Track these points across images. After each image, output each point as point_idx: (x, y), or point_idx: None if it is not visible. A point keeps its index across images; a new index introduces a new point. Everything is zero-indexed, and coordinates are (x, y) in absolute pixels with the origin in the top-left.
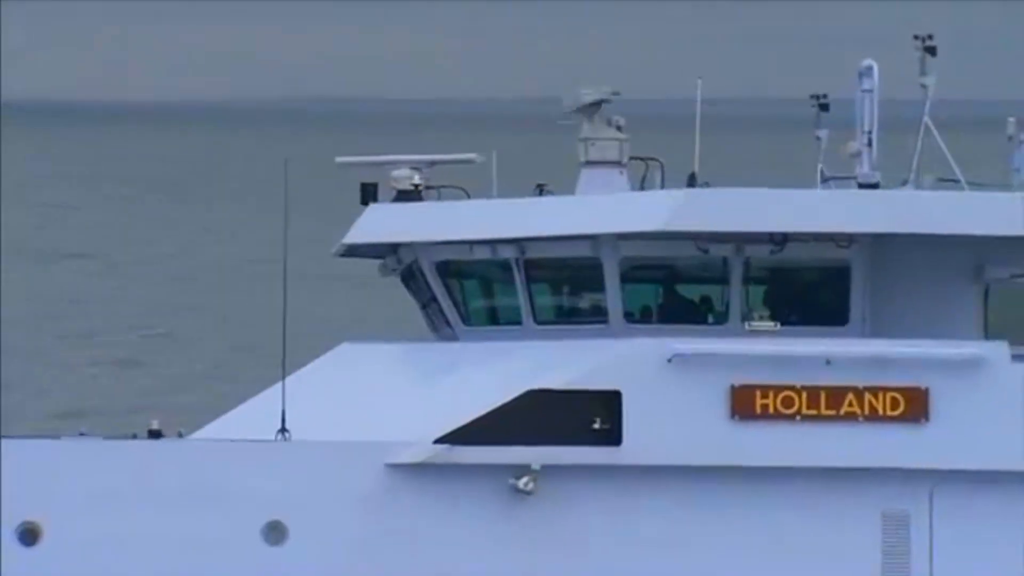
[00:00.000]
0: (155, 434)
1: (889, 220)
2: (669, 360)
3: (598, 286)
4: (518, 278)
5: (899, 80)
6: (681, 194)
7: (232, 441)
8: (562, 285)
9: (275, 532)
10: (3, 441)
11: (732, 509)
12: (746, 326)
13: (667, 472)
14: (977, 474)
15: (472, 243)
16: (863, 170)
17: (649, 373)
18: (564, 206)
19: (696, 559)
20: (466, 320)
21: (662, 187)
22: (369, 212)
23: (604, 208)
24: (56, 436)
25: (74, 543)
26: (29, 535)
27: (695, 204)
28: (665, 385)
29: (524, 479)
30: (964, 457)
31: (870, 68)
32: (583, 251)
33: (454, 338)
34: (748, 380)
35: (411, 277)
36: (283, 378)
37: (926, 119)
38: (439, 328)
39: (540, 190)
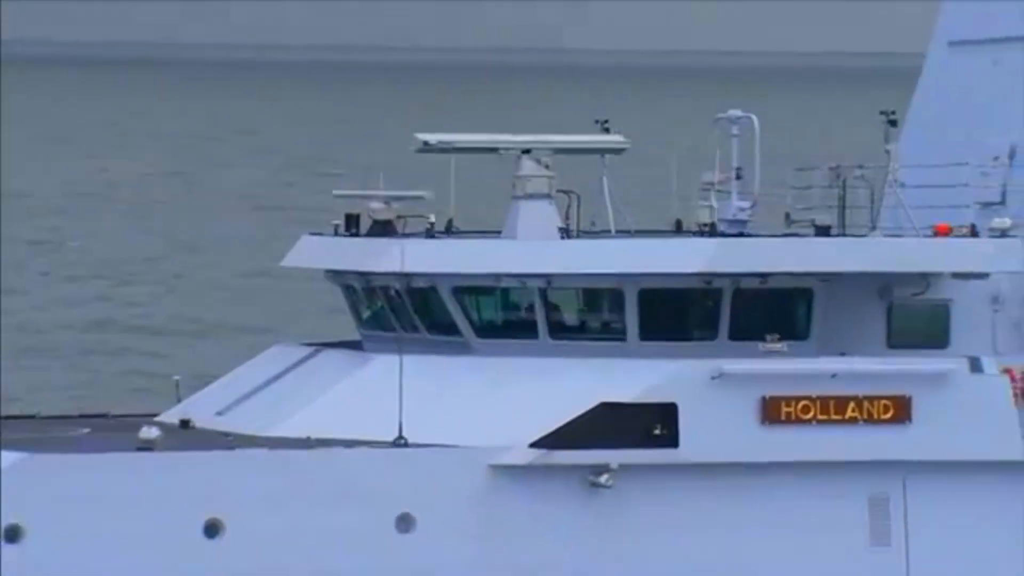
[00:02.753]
0: (185, 423)
1: (839, 262)
2: (713, 378)
3: (617, 310)
4: (538, 302)
5: None
6: (714, 243)
7: (372, 449)
8: (581, 308)
9: (405, 522)
10: (191, 452)
11: (762, 495)
12: (760, 347)
13: (714, 468)
14: (946, 464)
15: (502, 276)
16: (732, 204)
17: (698, 389)
18: (592, 248)
19: (735, 535)
20: (480, 334)
21: (578, 214)
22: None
23: (632, 251)
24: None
25: (252, 536)
26: (212, 529)
27: (724, 252)
28: (711, 398)
29: (604, 476)
30: (937, 450)
31: (739, 118)
32: (608, 284)
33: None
34: (775, 393)
35: (371, 294)
36: (400, 391)
37: (891, 178)
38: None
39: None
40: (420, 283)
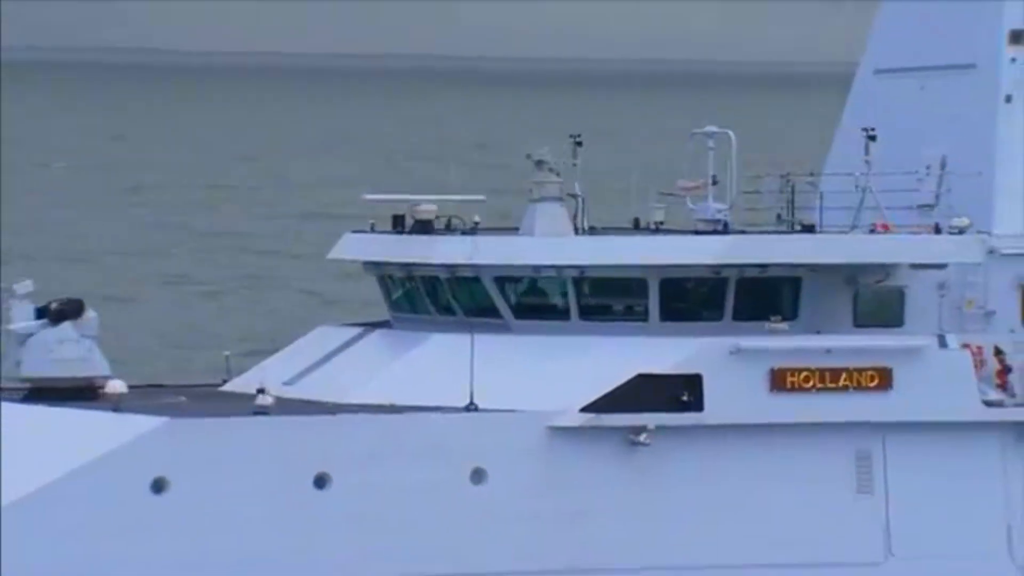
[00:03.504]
0: (260, 391)
1: (824, 255)
2: (731, 353)
3: (641, 295)
4: (571, 289)
5: None
6: (730, 239)
7: (451, 414)
8: (610, 293)
9: (478, 476)
10: (302, 416)
11: (769, 450)
12: (766, 326)
13: (731, 428)
14: (919, 424)
15: (540, 267)
16: (705, 206)
17: (719, 362)
18: (622, 244)
19: (748, 484)
20: (517, 316)
21: (583, 214)
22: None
23: (655, 246)
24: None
25: (354, 488)
26: (320, 481)
27: (733, 246)
28: (730, 369)
29: (642, 435)
30: (912, 413)
31: (713, 133)
32: (634, 274)
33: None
34: (782, 365)
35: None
36: (471, 364)
37: (869, 185)
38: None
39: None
40: (466, 272)
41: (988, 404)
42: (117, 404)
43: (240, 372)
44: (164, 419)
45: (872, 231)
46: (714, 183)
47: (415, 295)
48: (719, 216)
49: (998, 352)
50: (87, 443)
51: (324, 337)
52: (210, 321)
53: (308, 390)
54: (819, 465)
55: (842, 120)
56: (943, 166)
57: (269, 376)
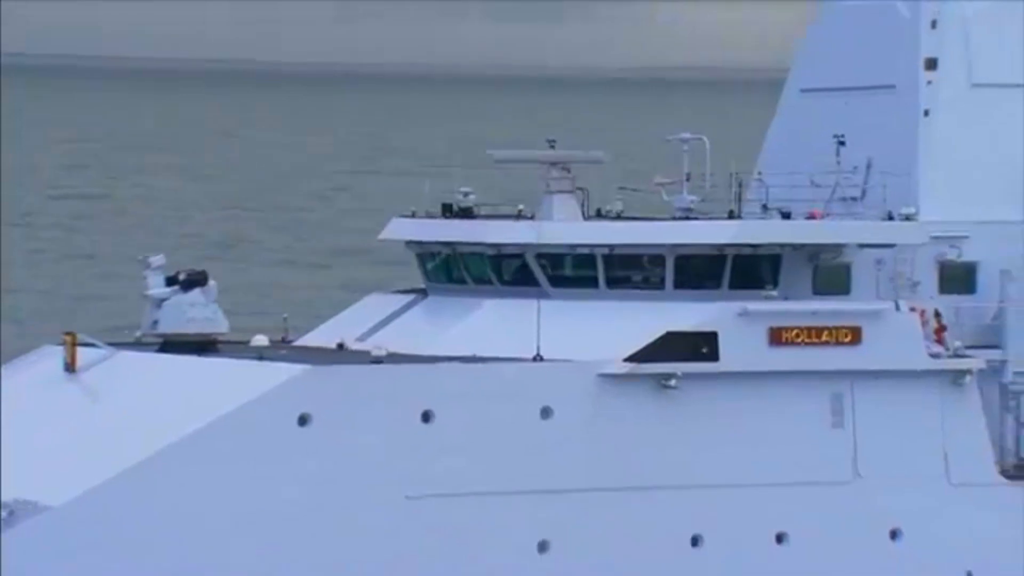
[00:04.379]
0: (340, 346)
1: (798, 236)
2: (740, 315)
3: (659, 268)
4: (601, 263)
5: None
6: (739, 223)
7: (527, 364)
8: (632, 266)
9: (546, 413)
10: (410, 364)
11: (769, 392)
12: (761, 294)
13: (740, 375)
14: (880, 372)
15: (576, 246)
16: (681, 197)
17: (731, 321)
18: (646, 227)
19: (753, 418)
20: (554, 285)
21: (587, 204)
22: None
23: (673, 229)
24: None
25: (454, 421)
26: (425, 416)
27: (746, 230)
28: (738, 328)
29: (672, 381)
30: (876, 363)
31: (690, 137)
32: (655, 251)
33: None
34: (778, 324)
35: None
36: (538, 323)
37: (838, 181)
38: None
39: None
40: (510, 250)
41: (932, 356)
42: (261, 354)
43: (294, 332)
44: (306, 366)
45: (810, 217)
46: (687, 179)
47: (454, 269)
48: (690, 206)
49: (937, 315)
50: (245, 386)
51: (377, 303)
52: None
53: (383, 345)
54: (804, 404)
55: (770, 129)
56: (868, 167)
57: (334, 334)
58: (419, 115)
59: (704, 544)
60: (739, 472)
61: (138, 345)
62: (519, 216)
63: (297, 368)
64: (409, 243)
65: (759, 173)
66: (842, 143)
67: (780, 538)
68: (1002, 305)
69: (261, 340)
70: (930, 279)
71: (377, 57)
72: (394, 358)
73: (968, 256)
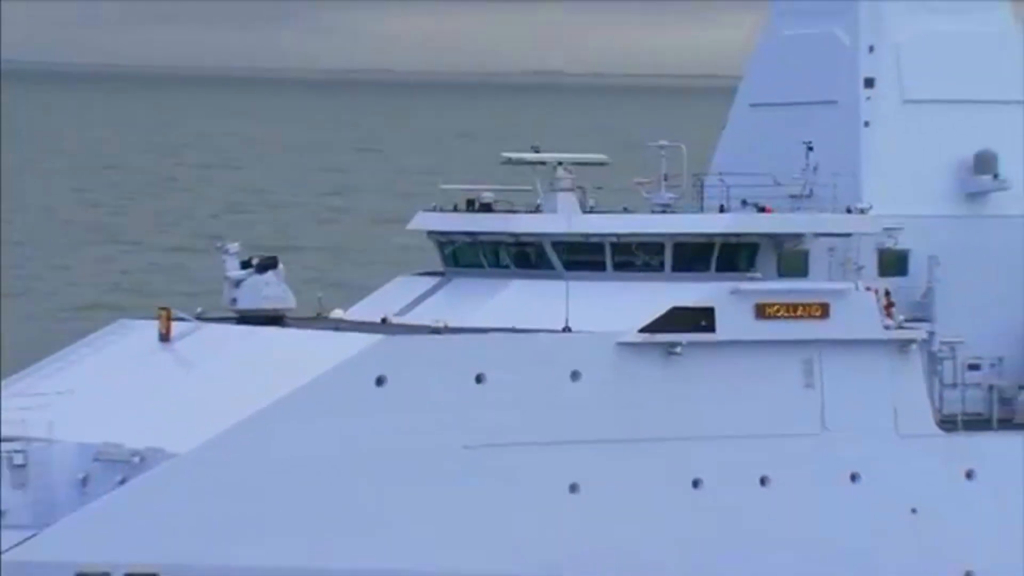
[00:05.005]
0: (384, 320)
1: (772, 227)
2: (731, 293)
3: (659, 253)
4: (609, 249)
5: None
6: (731, 216)
7: (558, 334)
8: (635, 251)
9: (575, 376)
10: (462, 334)
11: (755, 357)
12: (747, 275)
13: (733, 343)
14: (843, 340)
15: (588, 235)
16: (660, 195)
17: (725, 298)
18: (647, 220)
19: (743, 379)
20: (567, 268)
21: (586, 200)
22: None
23: (672, 221)
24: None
25: (502, 383)
26: (479, 378)
27: (737, 221)
28: (731, 304)
29: (677, 348)
30: (839, 333)
31: (666, 146)
32: (656, 239)
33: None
34: (763, 300)
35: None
36: (567, 298)
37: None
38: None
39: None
40: (528, 239)
41: (885, 327)
42: (337, 326)
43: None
44: (380, 336)
45: (761, 211)
46: (665, 179)
47: (474, 255)
48: (669, 202)
49: (887, 293)
50: (331, 352)
51: (407, 283)
52: None
53: (420, 318)
54: (782, 368)
55: (722, 138)
56: (815, 169)
57: (374, 310)
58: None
59: (703, 486)
60: (731, 425)
61: (216, 319)
62: (537, 209)
63: (374, 338)
64: (430, 233)
65: (720, 175)
66: (810, 148)
67: (763, 480)
68: (930, 286)
69: (339, 313)
70: (871, 264)
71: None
72: (449, 329)
73: (902, 244)
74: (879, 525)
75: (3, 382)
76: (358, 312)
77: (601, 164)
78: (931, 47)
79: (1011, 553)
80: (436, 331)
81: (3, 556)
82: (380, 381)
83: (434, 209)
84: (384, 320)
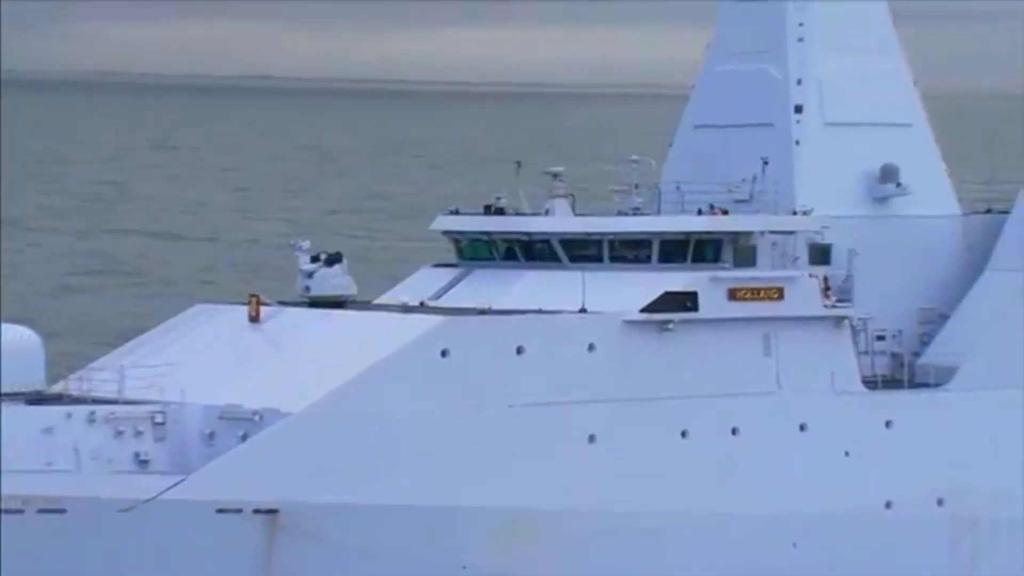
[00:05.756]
0: (422, 304)
1: (734, 227)
2: (711, 280)
3: (648, 247)
4: (606, 245)
5: None
6: (705, 217)
7: (577, 314)
8: (628, 246)
9: (592, 348)
10: (503, 315)
11: (728, 332)
12: (720, 267)
13: (712, 320)
14: (794, 318)
15: (591, 233)
16: (632, 199)
17: (706, 285)
18: (639, 220)
19: (720, 348)
20: (571, 260)
21: (573, 208)
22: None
23: (659, 222)
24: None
25: (537, 354)
26: (519, 350)
27: (710, 222)
28: (711, 290)
29: (670, 324)
30: (791, 311)
31: (638, 160)
32: (646, 236)
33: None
34: (734, 286)
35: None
36: (583, 285)
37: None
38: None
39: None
40: (539, 237)
41: (824, 307)
42: (400, 309)
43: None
44: (443, 317)
45: (724, 213)
46: (636, 187)
47: (484, 250)
48: (638, 206)
49: (825, 280)
50: (404, 330)
51: (432, 273)
52: None
53: (457, 303)
54: (746, 341)
55: (671, 154)
56: (754, 180)
57: (416, 296)
58: None
59: (689, 436)
60: (710, 386)
61: (292, 304)
62: (547, 213)
63: (439, 318)
64: (446, 231)
65: (677, 184)
66: (766, 163)
67: (734, 431)
68: (849, 273)
69: (404, 298)
70: (804, 255)
71: None
72: (493, 311)
73: (827, 240)
74: (821, 465)
75: (108, 356)
76: (391, 297)
77: (606, 171)
78: (846, 81)
79: (922, 487)
80: (483, 312)
81: (159, 497)
82: (444, 353)
83: (455, 212)
84: (422, 304)
